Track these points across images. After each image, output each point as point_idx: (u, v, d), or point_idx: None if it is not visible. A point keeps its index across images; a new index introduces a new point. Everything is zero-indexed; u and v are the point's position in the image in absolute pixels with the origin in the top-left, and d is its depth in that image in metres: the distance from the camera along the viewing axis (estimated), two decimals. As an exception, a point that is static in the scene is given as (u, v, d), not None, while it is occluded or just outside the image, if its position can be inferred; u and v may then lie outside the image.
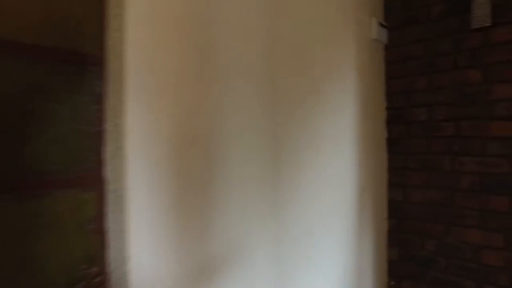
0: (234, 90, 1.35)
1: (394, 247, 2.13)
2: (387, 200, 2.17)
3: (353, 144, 1.93)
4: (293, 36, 1.58)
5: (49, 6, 0.94)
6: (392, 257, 2.14)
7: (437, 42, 1.98)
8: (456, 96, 1.91)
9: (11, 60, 0.88)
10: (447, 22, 1.94)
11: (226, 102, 1.33)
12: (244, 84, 1.39)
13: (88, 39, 1.00)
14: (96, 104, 1.02)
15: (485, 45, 1.82)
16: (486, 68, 1.82)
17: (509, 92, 1.75)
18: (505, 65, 1.76)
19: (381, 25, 2.13)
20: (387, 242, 2.16)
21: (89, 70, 1.00)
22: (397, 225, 2.13)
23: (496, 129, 1.78)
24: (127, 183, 1.06)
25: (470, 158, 1.85)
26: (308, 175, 1.65)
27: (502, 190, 1.74)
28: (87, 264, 0.98)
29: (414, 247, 2.03)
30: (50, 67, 0.93)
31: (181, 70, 1.20)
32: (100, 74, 1.02)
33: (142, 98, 1.11)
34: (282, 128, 1.53)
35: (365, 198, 2.01)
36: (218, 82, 1.30)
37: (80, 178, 0.98)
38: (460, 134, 1.89)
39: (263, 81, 1.46)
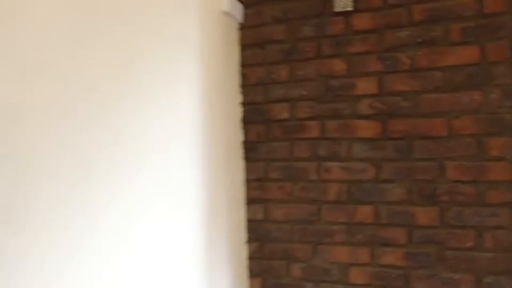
0: None
1: (256, 277, 1.74)
2: (246, 220, 1.76)
3: (197, 152, 1.40)
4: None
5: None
6: (254, 289, 1.74)
7: (299, 24, 1.69)
8: (321, 90, 1.67)
9: None
10: (309, 2, 1.66)
11: None
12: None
13: None
14: None
15: (347, 32, 1.64)
16: (349, 58, 1.64)
17: (372, 87, 1.60)
18: (366, 56, 1.60)
19: (234, -3, 1.68)
20: (247, 271, 1.75)
21: None
22: (258, 250, 1.74)
23: (360, 130, 1.60)
24: None
25: (336, 164, 1.63)
26: (121, 210, 1.03)
27: (367, 199, 1.59)
28: None
29: (279, 274, 1.71)
30: None
31: None
32: None
33: None
34: (74, 134, 0.88)
35: (216, 222, 1.52)
36: None
37: None
38: (325, 136, 1.66)
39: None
